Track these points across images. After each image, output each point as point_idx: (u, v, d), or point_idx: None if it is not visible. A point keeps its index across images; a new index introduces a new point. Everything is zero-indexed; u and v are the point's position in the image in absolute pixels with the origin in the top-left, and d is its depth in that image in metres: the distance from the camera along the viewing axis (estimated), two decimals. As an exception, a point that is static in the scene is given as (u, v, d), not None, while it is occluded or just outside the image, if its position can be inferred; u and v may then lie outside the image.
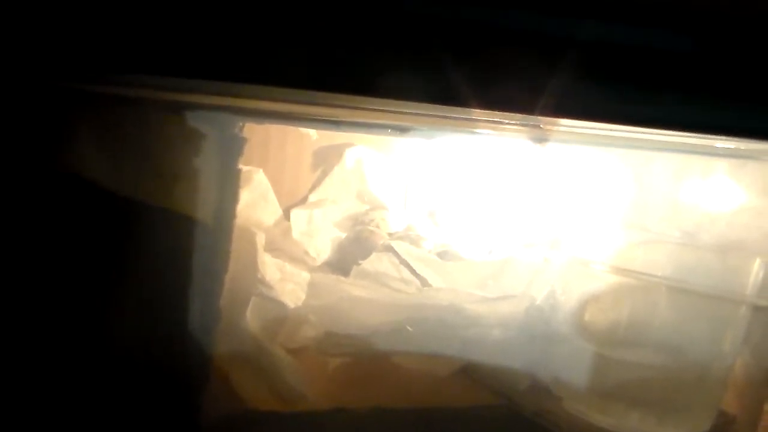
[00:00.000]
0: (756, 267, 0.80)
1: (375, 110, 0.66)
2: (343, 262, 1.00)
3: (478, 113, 0.65)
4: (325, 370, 0.80)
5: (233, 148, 0.66)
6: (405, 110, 0.66)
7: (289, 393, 0.74)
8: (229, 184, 0.67)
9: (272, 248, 0.96)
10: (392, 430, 0.76)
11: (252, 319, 0.77)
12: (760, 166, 0.80)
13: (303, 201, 1.08)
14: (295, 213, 1.04)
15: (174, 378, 0.67)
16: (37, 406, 0.63)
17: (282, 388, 0.74)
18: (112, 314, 0.64)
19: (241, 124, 0.66)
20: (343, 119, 0.68)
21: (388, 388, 0.80)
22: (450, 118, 0.68)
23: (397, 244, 0.89)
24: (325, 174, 1.09)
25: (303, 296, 0.84)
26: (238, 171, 0.66)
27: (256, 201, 0.99)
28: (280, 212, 1.02)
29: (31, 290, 0.61)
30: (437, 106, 0.63)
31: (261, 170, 0.99)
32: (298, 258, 0.98)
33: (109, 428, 0.65)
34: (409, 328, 0.77)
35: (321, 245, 1.04)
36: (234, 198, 0.67)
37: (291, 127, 1.03)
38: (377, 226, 1.05)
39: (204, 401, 0.69)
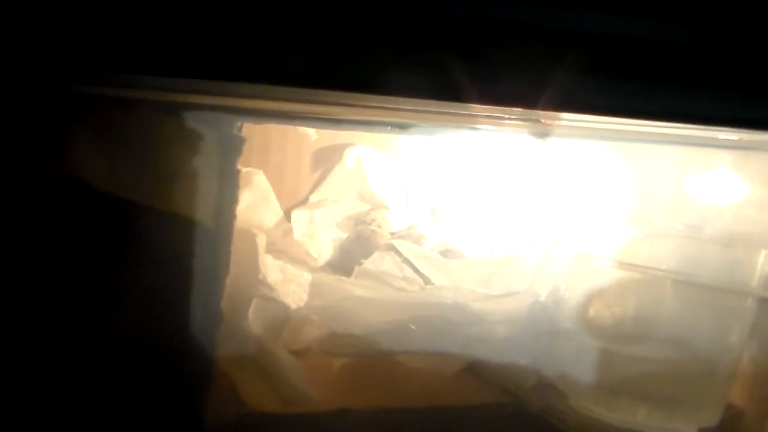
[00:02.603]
0: (762, 259, 0.79)
1: (375, 107, 0.66)
2: (345, 262, 0.99)
3: (478, 108, 0.64)
4: (329, 371, 0.80)
5: (232, 149, 0.65)
6: (405, 107, 0.65)
7: (293, 394, 0.73)
8: (229, 184, 0.66)
9: (273, 249, 0.96)
10: (398, 430, 0.75)
11: (254, 320, 0.77)
12: (764, 157, 0.79)
13: (304, 202, 1.08)
14: (296, 214, 1.04)
15: (177, 381, 0.66)
16: (39, 409, 0.63)
17: (286, 390, 0.73)
18: (113, 317, 0.63)
19: (239, 124, 0.66)
20: (343, 117, 0.68)
21: (392, 388, 0.79)
22: (450, 114, 0.67)
23: (399, 243, 0.89)
24: (325, 174, 1.09)
25: (305, 297, 0.83)
26: (238, 171, 0.66)
27: (257, 202, 0.99)
28: (281, 213, 1.02)
29: (31, 293, 0.61)
30: (437, 102, 0.63)
31: (261, 172, 0.99)
32: (299, 259, 0.97)
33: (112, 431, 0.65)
34: (412, 326, 0.76)
35: (322, 246, 1.03)
36: (234, 198, 0.67)
37: (290, 128, 1.03)
38: (379, 226, 1.04)
39: (207, 403, 0.69)
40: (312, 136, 1.03)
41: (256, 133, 1.00)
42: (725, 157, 0.82)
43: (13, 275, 0.60)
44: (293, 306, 0.82)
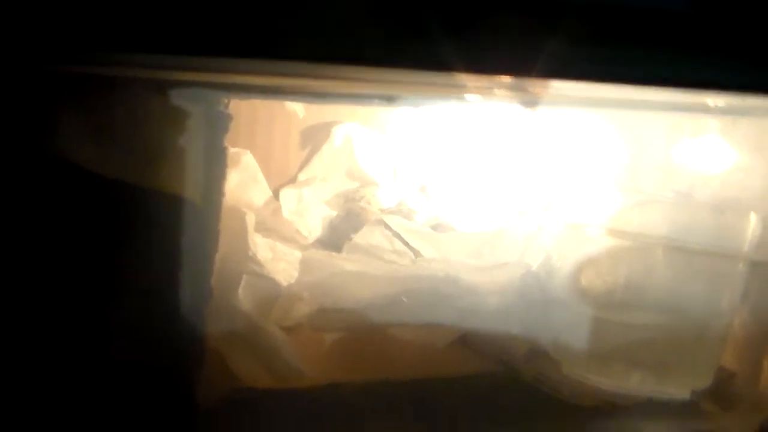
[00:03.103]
0: (752, 223, 0.79)
1: (362, 80, 0.65)
2: (334, 239, 0.99)
3: (466, 78, 0.64)
4: (321, 346, 0.80)
5: (219, 126, 0.65)
6: (392, 78, 0.65)
7: (285, 370, 0.73)
8: (217, 162, 0.66)
9: (263, 228, 0.95)
10: (391, 402, 0.75)
11: (244, 297, 0.76)
12: (753, 122, 0.79)
13: (292, 180, 1.07)
14: (284, 192, 1.03)
15: (168, 358, 0.66)
16: (25, 390, 0.63)
17: (278, 365, 0.73)
18: (100, 297, 0.63)
19: (225, 100, 0.65)
20: (330, 91, 0.67)
21: (385, 361, 0.79)
22: (438, 85, 0.67)
23: (389, 219, 0.88)
24: (313, 152, 1.08)
25: (295, 274, 0.83)
26: (225, 149, 0.66)
27: (245, 182, 0.98)
28: (269, 193, 1.02)
29: (16, 274, 0.60)
30: (424, 72, 0.62)
31: (249, 152, 0.99)
32: (289, 237, 0.97)
33: (103, 412, 0.65)
34: (404, 299, 0.76)
35: (312, 224, 1.03)
36: (222, 176, 0.66)
37: (277, 107, 1.02)
38: (368, 203, 1.04)
39: (199, 381, 0.69)
40: (299, 113, 1.03)
41: (243, 113, 0.99)
42: (714, 123, 0.82)
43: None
44: (283, 283, 0.82)
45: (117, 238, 0.63)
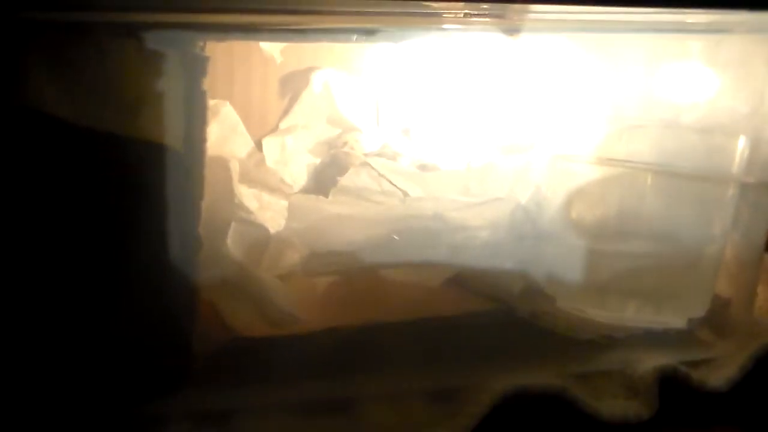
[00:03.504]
0: (741, 145, 0.79)
1: (339, 13, 0.64)
2: (320, 187, 0.98)
3: (444, 6, 0.63)
4: (314, 291, 0.79)
5: (197, 69, 0.64)
6: (370, 9, 0.64)
7: (280, 316, 0.73)
8: (196, 107, 0.64)
9: (247, 180, 0.94)
10: (387, 343, 0.75)
11: (234, 245, 0.76)
12: (736, 41, 0.78)
13: (274, 129, 1.06)
14: (267, 141, 1.02)
15: (161, 311, 0.65)
16: (17, 349, 0.62)
17: (272, 312, 0.72)
18: (86, 250, 0.62)
19: (201, 43, 0.64)
20: (308, 26, 0.66)
21: (380, 303, 0.79)
22: (417, 14, 0.66)
23: (374, 161, 0.87)
24: (293, 100, 1.06)
25: (283, 222, 0.82)
26: (204, 93, 0.64)
27: (226, 134, 0.97)
28: (251, 144, 1.00)
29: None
30: (403, 3, 0.61)
31: (228, 103, 0.97)
32: (274, 186, 0.96)
33: (97, 367, 0.64)
34: (395, 237, 0.75)
35: (296, 172, 1.02)
36: (203, 121, 0.65)
37: (255, 54, 1.01)
38: (351, 148, 1.03)
39: (193, 332, 0.68)
40: (277, 60, 1.01)
41: (219, 62, 0.98)
42: (697, 45, 0.81)
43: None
44: (272, 231, 0.81)
45: (98, 189, 0.61)
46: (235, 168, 0.79)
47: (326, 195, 0.83)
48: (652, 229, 0.81)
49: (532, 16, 0.68)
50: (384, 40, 0.68)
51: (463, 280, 0.82)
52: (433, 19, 0.67)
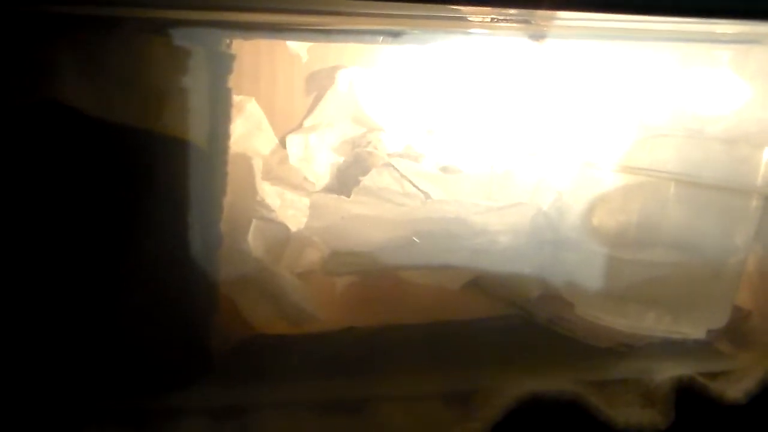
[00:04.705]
0: (766, 156, 0.78)
1: (366, 15, 0.64)
2: (342, 185, 0.98)
3: (471, 11, 0.63)
4: (333, 291, 0.79)
5: (222, 67, 0.64)
6: (396, 12, 0.64)
7: (299, 315, 0.73)
8: (221, 104, 0.65)
9: (270, 177, 0.95)
10: (404, 345, 0.75)
11: (255, 242, 0.76)
12: (765, 51, 0.78)
13: (298, 127, 1.06)
14: (290, 138, 1.02)
15: (180, 307, 0.66)
16: (34, 344, 0.62)
17: (291, 310, 0.73)
18: (110, 246, 0.63)
19: (228, 40, 0.64)
20: (334, 27, 0.66)
21: (398, 304, 0.79)
22: (443, 18, 0.66)
23: (397, 162, 0.87)
24: (318, 98, 1.06)
25: (304, 221, 0.82)
26: (229, 90, 0.65)
27: (251, 131, 0.97)
28: (275, 141, 1.00)
29: (20, 222, 0.60)
30: (429, 6, 0.61)
31: (253, 99, 0.97)
32: (297, 184, 0.96)
33: (118, 361, 0.64)
34: (415, 239, 0.75)
35: (319, 170, 1.02)
36: (227, 118, 0.66)
37: (280, 52, 1.01)
38: (375, 148, 1.03)
39: (213, 328, 0.69)
40: (302, 58, 1.01)
41: (246, 60, 0.98)
42: (725, 54, 0.80)
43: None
44: (293, 229, 0.81)
45: (123, 183, 0.62)
46: (258, 165, 0.80)
47: (348, 194, 0.83)
48: (674, 239, 0.80)
49: (558, 22, 0.67)
50: (410, 42, 0.68)
51: (482, 284, 0.82)
52: (460, 23, 0.67)
